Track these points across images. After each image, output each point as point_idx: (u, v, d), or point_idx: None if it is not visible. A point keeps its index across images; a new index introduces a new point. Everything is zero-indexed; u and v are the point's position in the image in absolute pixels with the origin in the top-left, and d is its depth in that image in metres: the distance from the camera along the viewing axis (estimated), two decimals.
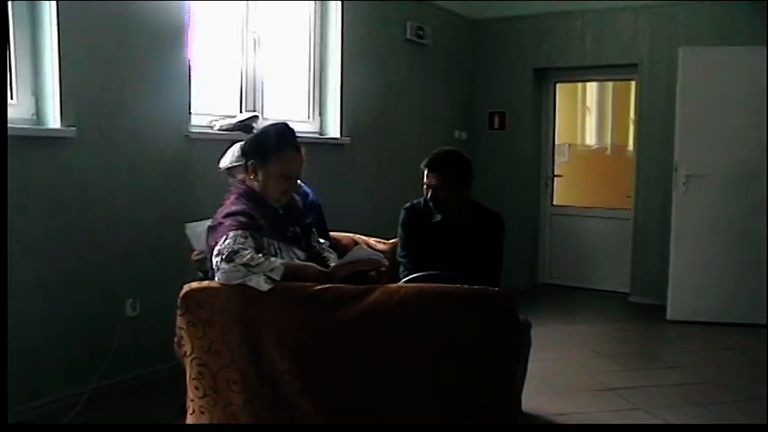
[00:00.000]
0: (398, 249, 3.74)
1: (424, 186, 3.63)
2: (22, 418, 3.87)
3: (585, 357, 5.32)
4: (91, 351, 4.21)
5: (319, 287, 2.66)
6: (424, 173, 3.63)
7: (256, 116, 5.07)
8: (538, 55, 7.66)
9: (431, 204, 3.64)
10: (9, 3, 3.85)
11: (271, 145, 3.01)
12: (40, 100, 4.06)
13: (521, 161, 7.76)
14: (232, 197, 3.00)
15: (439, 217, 3.68)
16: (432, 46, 7.11)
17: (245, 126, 4.93)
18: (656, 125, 7.04)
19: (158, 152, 4.54)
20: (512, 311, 2.71)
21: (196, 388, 2.78)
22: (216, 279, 2.69)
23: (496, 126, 7.88)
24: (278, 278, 2.64)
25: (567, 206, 8.02)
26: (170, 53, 4.59)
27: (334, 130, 6.00)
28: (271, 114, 5.41)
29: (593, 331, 6.11)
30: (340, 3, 5.95)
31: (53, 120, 4.05)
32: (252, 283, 2.63)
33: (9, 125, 3.84)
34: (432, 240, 3.62)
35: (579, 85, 8.64)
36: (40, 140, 3.99)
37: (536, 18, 7.61)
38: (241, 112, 5.24)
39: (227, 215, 2.86)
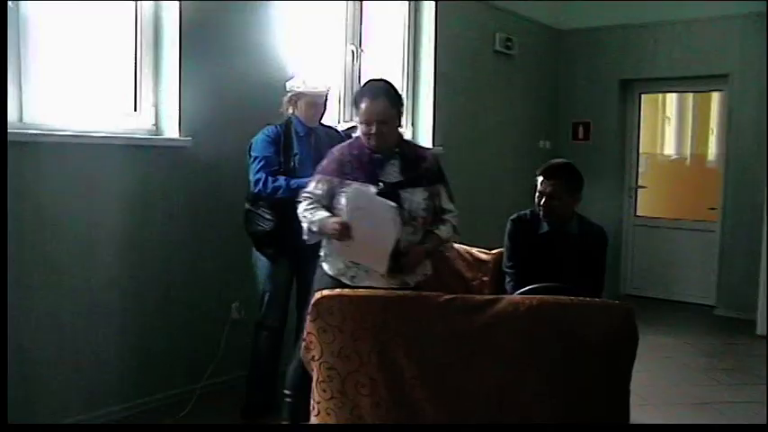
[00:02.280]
0: (504, 260, 3.80)
1: (537, 194, 3.68)
2: (138, 412, 4.08)
3: (676, 370, 5.32)
4: (201, 352, 4.40)
5: (447, 297, 2.77)
6: (537, 181, 3.68)
7: (356, 126, 5.19)
8: (624, 65, 7.66)
9: (541, 212, 3.69)
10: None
11: (357, 97, 3.31)
12: (160, 111, 4.27)
13: (604, 172, 7.74)
14: None
15: (546, 228, 3.74)
16: (518, 57, 7.18)
17: (345, 136, 5.07)
18: (746, 136, 6.97)
19: None
20: (632, 324, 2.78)
21: (324, 390, 2.90)
22: None
23: (581, 137, 7.90)
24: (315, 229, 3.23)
25: (651, 217, 7.99)
26: (275, 69, 4.76)
27: (426, 139, 6.11)
28: None
29: (681, 344, 6.09)
30: (433, 16, 6.07)
31: (171, 130, 4.25)
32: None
33: (132, 135, 4.08)
34: (539, 251, 3.68)
35: (660, 95, 8.59)
36: (159, 149, 4.19)
37: (623, 28, 7.60)
38: (339, 122, 5.38)
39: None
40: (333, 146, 3.54)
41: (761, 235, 6.46)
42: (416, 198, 3.27)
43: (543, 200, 3.65)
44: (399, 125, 3.34)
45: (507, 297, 2.81)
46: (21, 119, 3.63)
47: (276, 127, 4.06)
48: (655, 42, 7.46)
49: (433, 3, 6.08)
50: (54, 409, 3.76)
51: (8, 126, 3.50)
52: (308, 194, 3.34)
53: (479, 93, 6.75)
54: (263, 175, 3.91)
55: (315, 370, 2.94)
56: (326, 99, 4.17)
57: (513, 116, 7.28)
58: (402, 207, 3.19)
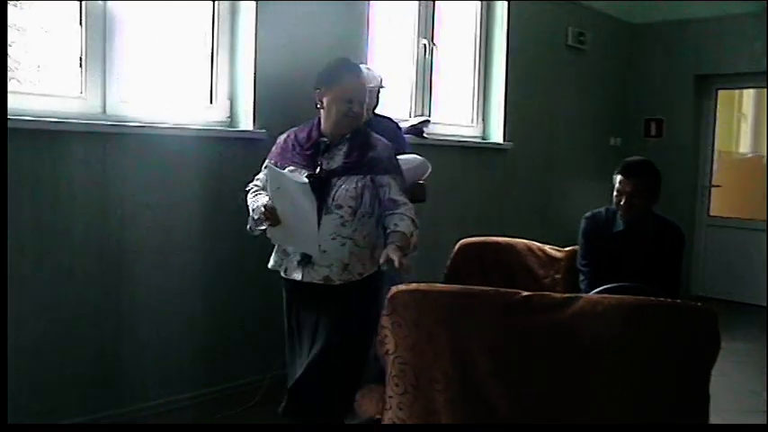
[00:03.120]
0: (579, 258, 3.76)
1: (616, 193, 3.61)
2: (214, 397, 4.16)
3: (752, 377, 5.18)
4: (273, 340, 4.44)
5: (525, 294, 2.74)
6: (616, 179, 3.61)
7: (428, 120, 5.21)
8: (700, 61, 7.48)
9: (621, 211, 3.62)
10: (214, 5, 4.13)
11: (333, 72, 3.18)
12: (235, 104, 4.33)
13: (677, 170, 7.56)
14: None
15: (621, 227, 3.67)
16: (590, 51, 7.07)
17: (416, 130, 5.07)
18: None
19: None
20: (715, 329, 2.71)
21: (396, 385, 2.90)
22: None
23: (653, 133, 7.75)
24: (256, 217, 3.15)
25: (724, 217, 7.79)
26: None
27: (497, 135, 6.07)
28: (438, 119, 5.54)
29: (757, 349, 5.92)
30: (506, 11, 6.02)
31: (245, 122, 4.31)
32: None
33: (207, 127, 4.14)
34: (613, 250, 3.62)
35: (736, 91, 8.35)
36: (233, 141, 4.25)
37: (699, 22, 7.41)
38: (410, 116, 5.38)
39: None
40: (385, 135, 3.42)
41: None
42: (348, 186, 3.09)
43: (624, 199, 3.57)
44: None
45: (585, 296, 2.77)
46: (104, 111, 3.73)
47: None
48: (732, 36, 7.25)
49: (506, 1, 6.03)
50: (132, 391, 3.86)
51: (91, 117, 3.61)
52: (254, 183, 3.34)
53: (551, 88, 6.67)
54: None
55: (389, 364, 2.94)
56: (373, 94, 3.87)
57: (585, 112, 7.18)
58: (327, 194, 3.07)
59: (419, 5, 5.46)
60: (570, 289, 3.73)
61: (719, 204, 7.91)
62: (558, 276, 3.92)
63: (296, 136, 3.25)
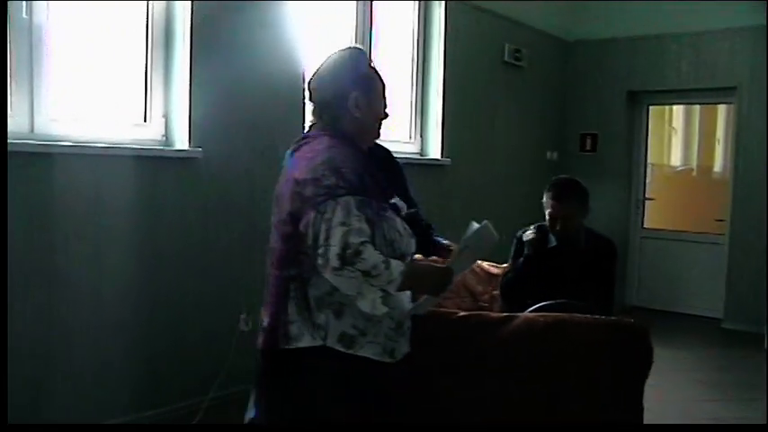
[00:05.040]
0: (505, 275, 3.76)
1: (549, 217, 3.64)
2: (147, 424, 4.06)
3: (686, 384, 5.29)
4: (210, 364, 4.38)
5: (462, 314, 2.75)
6: (548, 201, 3.64)
7: None
8: (632, 77, 7.66)
9: (557, 236, 3.66)
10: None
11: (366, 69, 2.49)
12: (170, 122, 4.26)
13: (611, 183, 7.72)
14: (323, 140, 2.32)
15: (554, 243, 3.70)
16: (527, 68, 7.17)
17: None
18: (755, 148, 6.95)
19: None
20: (648, 344, 2.75)
21: None
22: (323, 270, 2.14)
23: (588, 148, 7.89)
24: (393, 292, 2.21)
25: (658, 229, 7.97)
26: (286, 77, 4.74)
27: (435, 151, 6.10)
28: None
29: (690, 357, 6.05)
30: (442, 26, 6.06)
31: (181, 141, 4.24)
32: (363, 304, 2.19)
33: (142, 146, 4.07)
34: (547, 267, 3.65)
35: (667, 107, 8.57)
36: (168, 161, 4.18)
37: (631, 41, 7.60)
38: None
39: (328, 165, 2.20)
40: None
41: None
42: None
43: (558, 224, 3.60)
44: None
45: (523, 315, 2.78)
46: (32, 129, 3.62)
47: None
48: (662, 55, 7.45)
49: (443, 13, 6.07)
50: (61, 419, 3.74)
51: (19, 137, 3.50)
52: (361, 238, 2.15)
53: (488, 104, 6.74)
54: None
55: None
56: None
57: (522, 127, 7.27)
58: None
59: (356, 21, 5.45)
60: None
61: (653, 216, 8.09)
62: (495, 293, 3.93)
63: (345, 156, 2.27)
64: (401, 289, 2.21)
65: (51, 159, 3.62)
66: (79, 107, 3.92)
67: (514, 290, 3.62)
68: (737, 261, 7.12)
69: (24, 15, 3.54)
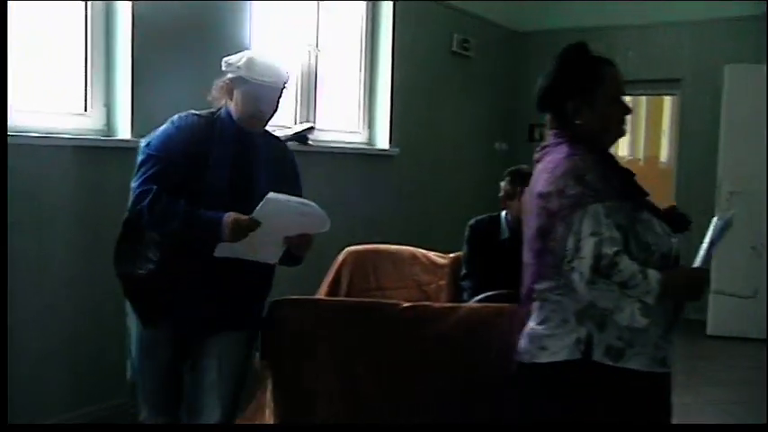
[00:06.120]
0: (463, 267, 3.78)
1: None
2: (90, 420, 3.99)
3: None
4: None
5: (406, 305, 2.75)
6: (515, 189, 3.61)
7: (312, 127, 5.16)
8: None
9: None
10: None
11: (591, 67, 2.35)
12: (112, 111, 4.17)
13: None
14: (562, 149, 2.24)
15: (507, 234, 3.72)
16: (475, 58, 7.19)
17: (300, 137, 5.02)
18: (698, 141, 7.09)
19: None
20: None
21: (277, 404, 2.86)
22: (577, 284, 2.10)
23: (537, 138, 7.94)
24: (652, 303, 2.09)
25: None
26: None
27: (383, 141, 6.08)
28: (323, 125, 5.50)
29: None
30: (390, 16, 6.04)
31: (123, 131, 4.15)
32: (621, 317, 2.11)
33: (82, 136, 3.98)
34: (499, 258, 3.66)
35: None
36: (110, 151, 4.09)
37: (579, 32, 7.58)
38: (294, 123, 5.32)
39: (570, 174, 2.13)
40: (274, 165, 2.79)
41: None
42: None
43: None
44: None
45: (466, 305, 2.80)
46: None
47: (196, 117, 2.76)
48: (608, 46, 7.53)
49: (391, 3, 6.05)
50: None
51: None
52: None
53: (436, 94, 6.73)
54: (151, 189, 2.56)
55: (269, 376, 2.90)
56: (281, 95, 2.81)
57: (471, 117, 7.29)
58: None
59: (304, 5, 5.40)
60: (454, 296, 3.77)
61: None
62: (442, 283, 3.95)
63: (587, 162, 2.18)
64: (659, 298, 2.09)
65: None
66: (16, 96, 3.79)
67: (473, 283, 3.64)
68: (681, 248, 7.22)
69: None
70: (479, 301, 3.28)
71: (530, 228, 2.24)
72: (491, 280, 3.52)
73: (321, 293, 3.75)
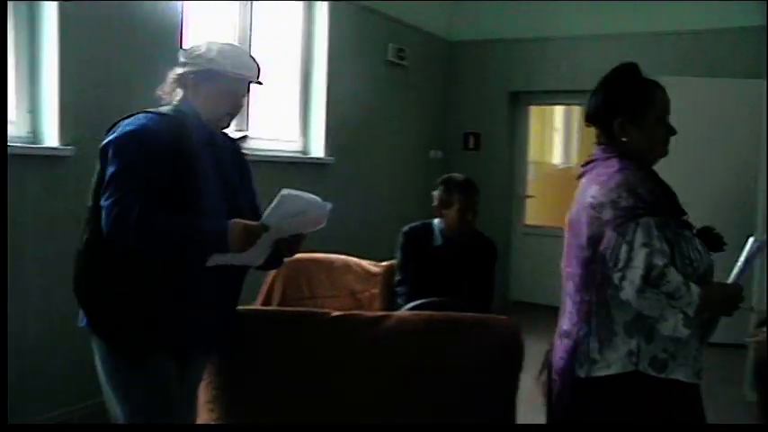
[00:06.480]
0: (396, 274, 3.80)
1: (458, 210, 3.68)
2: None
3: None
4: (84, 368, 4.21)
5: (336, 314, 2.74)
6: (455, 197, 3.69)
7: (246, 136, 5.11)
8: (513, 78, 7.85)
9: (457, 227, 3.70)
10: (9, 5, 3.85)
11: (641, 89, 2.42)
12: (37, 118, 4.07)
13: (494, 181, 7.85)
14: (613, 163, 2.32)
15: (440, 241, 3.75)
16: (411, 67, 7.24)
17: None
18: None
19: None
20: (519, 340, 2.82)
21: (210, 410, 2.83)
22: (627, 292, 2.16)
23: (471, 146, 8.04)
24: (692, 315, 2.16)
25: (539, 225, 8.21)
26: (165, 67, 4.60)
27: (318, 149, 6.07)
28: (257, 134, 5.46)
29: None
30: (326, 25, 6.05)
31: (50, 138, 4.06)
32: (665, 326, 2.17)
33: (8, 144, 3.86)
34: (432, 265, 3.69)
35: (548, 107, 8.84)
36: (37, 159, 3.99)
37: (512, 42, 7.78)
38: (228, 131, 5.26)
39: (624, 186, 2.21)
40: (240, 165, 2.68)
41: None
42: None
43: (469, 216, 3.68)
44: None
45: (396, 314, 2.81)
46: None
47: (163, 117, 2.42)
48: (542, 57, 7.67)
49: (326, 11, 6.05)
50: None
51: None
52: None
53: (372, 103, 6.76)
54: (134, 203, 2.23)
55: (202, 390, 2.86)
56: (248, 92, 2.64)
57: (406, 126, 7.34)
58: None
59: (239, 13, 5.37)
60: (387, 304, 3.77)
61: (534, 214, 8.33)
62: (375, 291, 3.95)
63: (638, 176, 2.28)
64: (698, 312, 2.15)
65: None
66: None
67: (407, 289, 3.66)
68: None
69: None
70: (412, 308, 3.29)
71: (578, 237, 2.31)
72: (424, 286, 3.56)
73: (257, 304, 3.72)
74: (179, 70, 2.51)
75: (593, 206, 2.24)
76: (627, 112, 2.35)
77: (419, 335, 2.70)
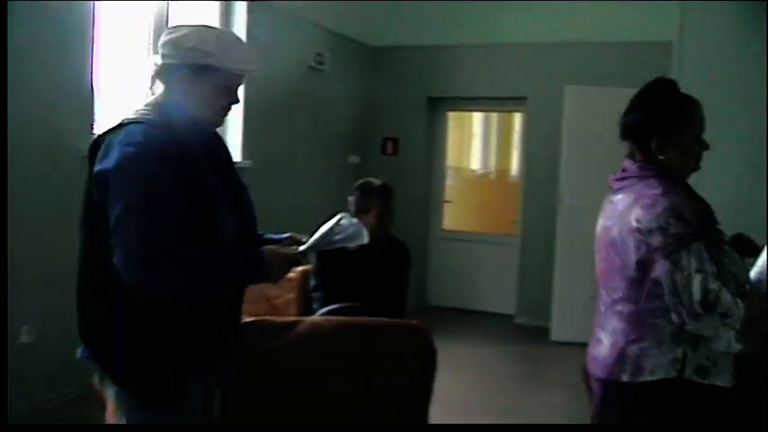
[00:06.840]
0: (312, 279, 3.80)
1: (377, 215, 3.68)
2: None
3: (479, 379, 5.56)
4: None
5: (249, 320, 2.72)
6: (372, 201, 3.70)
7: None
8: (432, 84, 7.94)
9: (376, 231, 3.69)
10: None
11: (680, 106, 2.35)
12: None
13: (412, 186, 7.92)
14: (652, 183, 2.29)
15: (356, 247, 3.75)
16: (330, 72, 7.23)
17: None
18: (542, 157, 7.40)
19: (49, 175, 4.42)
20: (430, 343, 2.86)
21: None
22: (685, 318, 2.20)
23: (390, 151, 8.09)
24: (737, 328, 2.22)
25: (456, 231, 8.32)
26: (72, 63, 4.51)
27: (235, 154, 6.00)
28: None
29: (486, 352, 6.38)
30: (244, 27, 6.00)
31: None
32: (719, 344, 2.23)
33: None
34: (347, 270, 3.70)
35: (467, 113, 8.96)
36: None
37: (432, 49, 7.87)
38: None
39: (671, 212, 2.20)
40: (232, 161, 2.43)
41: (554, 249, 6.89)
42: None
43: (386, 221, 3.70)
44: None
45: (309, 319, 2.82)
46: None
47: (158, 131, 2.01)
48: (460, 64, 7.78)
49: (245, 14, 6.00)
50: None
51: None
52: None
53: (290, 107, 6.74)
54: (163, 247, 1.94)
55: None
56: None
57: (325, 130, 7.34)
58: None
59: (155, 13, 5.28)
60: (303, 308, 3.77)
61: (452, 219, 8.44)
62: (290, 296, 3.94)
63: (682, 198, 2.27)
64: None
65: None
66: None
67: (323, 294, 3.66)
68: (527, 261, 7.57)
69: None
70: (325, 313, 3.30)
71: (623, 258, 2.30)
72: (340, 292, 3.56)
73: None
74: (161, 62, 2.14)
75: (639, 230, 2.24)
76: (666, 132, 2.32)
77: (330, 339, 2.71)
